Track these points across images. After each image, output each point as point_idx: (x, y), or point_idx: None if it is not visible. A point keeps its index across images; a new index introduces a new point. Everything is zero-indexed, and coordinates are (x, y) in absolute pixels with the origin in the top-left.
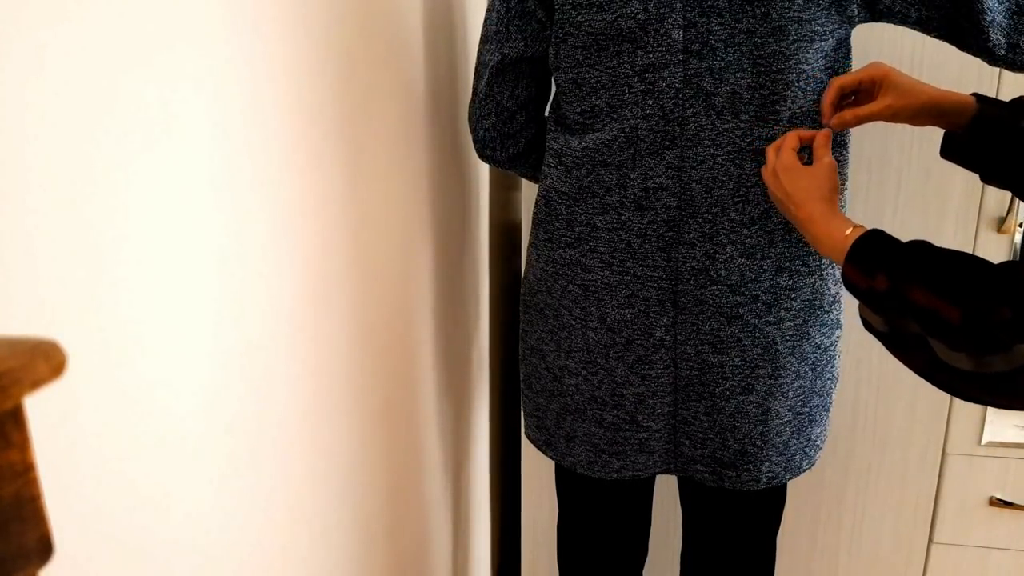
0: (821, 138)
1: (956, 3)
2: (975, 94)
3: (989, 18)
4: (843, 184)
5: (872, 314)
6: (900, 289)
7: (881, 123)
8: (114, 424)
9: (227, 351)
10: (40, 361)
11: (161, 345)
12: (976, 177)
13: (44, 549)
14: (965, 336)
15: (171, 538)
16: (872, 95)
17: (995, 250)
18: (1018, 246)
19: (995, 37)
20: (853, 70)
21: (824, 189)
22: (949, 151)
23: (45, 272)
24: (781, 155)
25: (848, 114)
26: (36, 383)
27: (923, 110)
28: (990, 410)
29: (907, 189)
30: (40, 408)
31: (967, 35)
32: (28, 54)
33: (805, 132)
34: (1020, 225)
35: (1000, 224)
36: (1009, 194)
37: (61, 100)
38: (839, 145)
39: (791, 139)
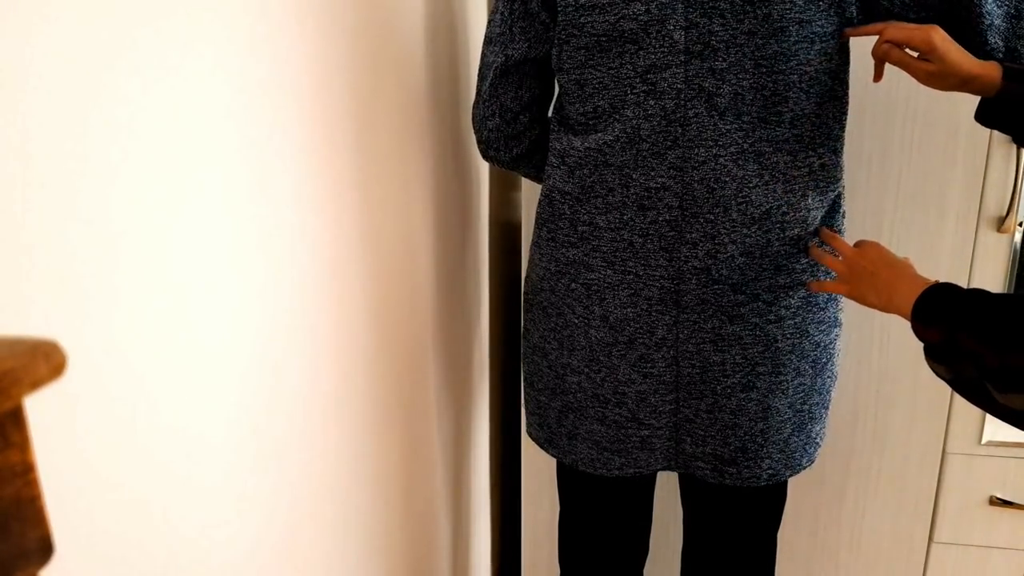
0: (836, 244)
1: (954, 7)
2: (1002, 66)
3: (987, 22)
4: (838, 182)
5: (935, 364)
6: (953, 338)
7: (882, 120)
8: (115, 424)
9: (229, 352)
10: (40, 361)
11: (162, 344)
12: (977, 176)
13: (44, 549)
14: (1008, 378)
15: (172, 537)
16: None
17: (995, 250)
18: (1018, 246)
19: (993, 41)
20: (906, 25)
21: (893, 268)
22: (983, 116)
23: (46, 271)
24: (852, 265)
25: (896, 53)
26: (36, 383)
27: (954, 87)
28: None
29: (907, 188)
30: (40, 408)
31: (965, 39)
32: (28, 50)
33: (824, 247)
34: (1020, 225)
35: (1000, 224)
36: (1009, 194)
37: (61, 100)
38: (833, 138)
39: (835, 263)
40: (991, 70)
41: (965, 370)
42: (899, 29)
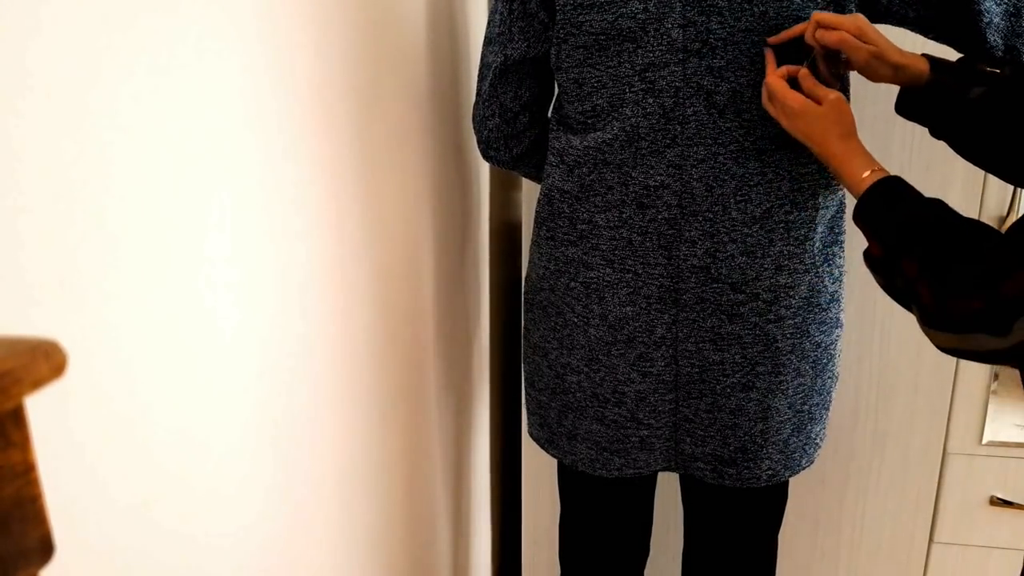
0: (806, 82)
1: (953, 4)
2: (928, 58)
3: (986, 20)
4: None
5: (871, 269)
6: (893, 259)
7: (882, 120)
8: (116, 424)
9: (230, 352)
10: (40, 361)
11: (162, 345)
12: (977, 175)
13: (45, 549)
14: (939, 318)
15: (173, 537)
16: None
17: None
18: None
19: (992, 39)
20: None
21: (841, 125)
22: (904, 108)
23: (46, 271)
24: (783, 100)
25: (835, 33)
26: (36, 383)
27: (887, 78)
28: (991, 409)
29: None
30: (40, 408)
31: (964, 36)
32: (27, 53)
33: (783, 70)
34: None
35: (1000, 224)
36: (1010, 193)
37: (62, 97)
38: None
39: (776, 82)
40: (919, 61)
41: (898, 284)
42: (828, 15)
